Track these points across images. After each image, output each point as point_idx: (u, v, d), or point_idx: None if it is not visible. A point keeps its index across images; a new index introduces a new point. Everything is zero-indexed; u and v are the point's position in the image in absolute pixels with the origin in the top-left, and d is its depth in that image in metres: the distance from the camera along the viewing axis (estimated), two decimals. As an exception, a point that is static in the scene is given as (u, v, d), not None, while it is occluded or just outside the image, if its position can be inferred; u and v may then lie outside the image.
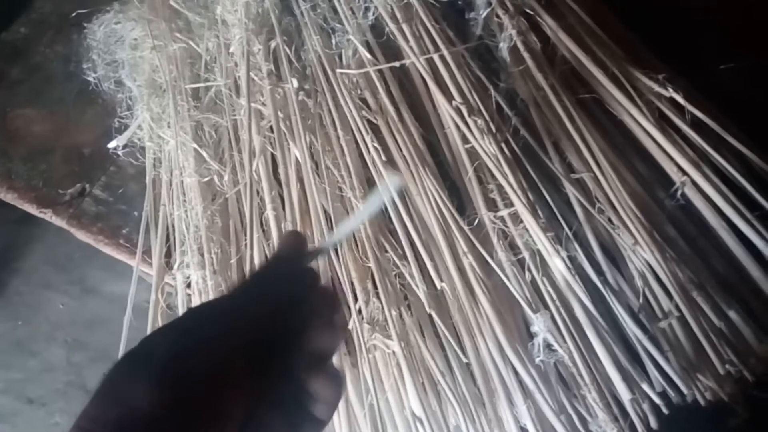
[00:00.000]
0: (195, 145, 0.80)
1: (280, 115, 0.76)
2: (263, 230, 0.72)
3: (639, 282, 0.67)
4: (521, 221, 0.67)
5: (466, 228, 0.66)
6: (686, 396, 0.64)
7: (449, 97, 0.72)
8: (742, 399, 0.64)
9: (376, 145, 0.71)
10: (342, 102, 0.75)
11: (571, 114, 0.73)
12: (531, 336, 0.63)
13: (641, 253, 0.67)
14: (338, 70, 0.77)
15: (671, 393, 0.64)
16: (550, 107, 0.74)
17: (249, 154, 0.74)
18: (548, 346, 0.61)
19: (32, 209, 0.87)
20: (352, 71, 0.77)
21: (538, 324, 0.60)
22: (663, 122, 0.73)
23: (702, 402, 0.64)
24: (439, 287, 0.65)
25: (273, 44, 0.80)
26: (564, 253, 0.65)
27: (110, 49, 0.91)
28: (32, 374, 1.52)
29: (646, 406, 0.63)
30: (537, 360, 0.61)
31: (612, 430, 0.60)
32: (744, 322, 0.67)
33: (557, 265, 0.64)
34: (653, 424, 0.62)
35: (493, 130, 0.70)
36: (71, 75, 0.96)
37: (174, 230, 0.78)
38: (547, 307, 0.63)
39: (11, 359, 1.54)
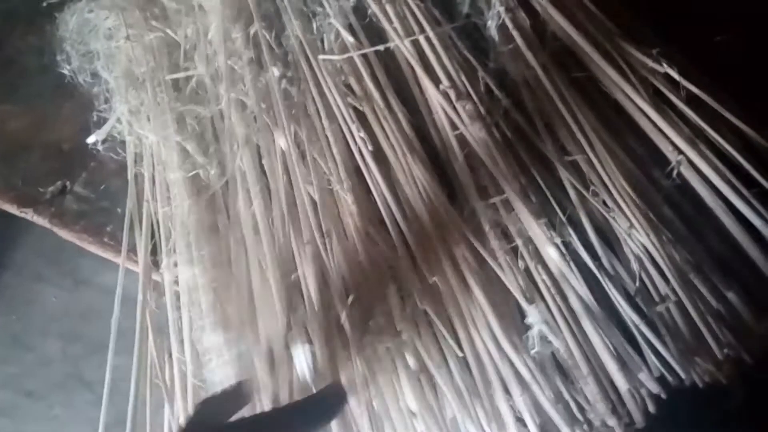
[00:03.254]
0: (177, 138, 0.77)
1: (263, 105, 0.74)
2: (251, 224, 0.71)
3: (635, 266, 0.66)
4: (513, 208, 0.65)
5: (457, 217, 0.65)
6: (684, 380, 0.63)
7: (436, 81, 0.70)
8: (741, 381, 0.63)
9: (362, 134, 0.69)
10: (326, 89, 0.73)
11: (563, 93, 0.71)
12: (526, 326, 0.62)
13: (637, 236, 0.65)
14: (320, 56, 0.74)
15: (669, 377, 0.63)
16: (541, 86, 0.72)
17: (230, 145, 0.71)
18: (544, 337, 0.60)
19: (12, 209, 0.84)
20: (335, 57, 0.74)
21: (533, 316, 0.59)
22: (657, 99, 0.71)
23: (700, 385, 0.63)
24: (431, 282, 0.63)
25: (252, 31, 0.77)
26: (558, 239, 0.63)
27: (84, 40, 0.87)
28: (29, 368, 1.52)
29: (644, 392, 0.62)
30: (532, 352, 0.60)
31: (610, 418, 0.59)
32: (742, 302, 0.65)
33: (551, 252, 0.63)
34: (651, 409, 0.62)
35: (483, 113, 0.68)
36: (46, 68, 0.92)
37: (159, 227, 0.76)
38: (542, 296, 0.62)
39: (8, 353, 1.54)
